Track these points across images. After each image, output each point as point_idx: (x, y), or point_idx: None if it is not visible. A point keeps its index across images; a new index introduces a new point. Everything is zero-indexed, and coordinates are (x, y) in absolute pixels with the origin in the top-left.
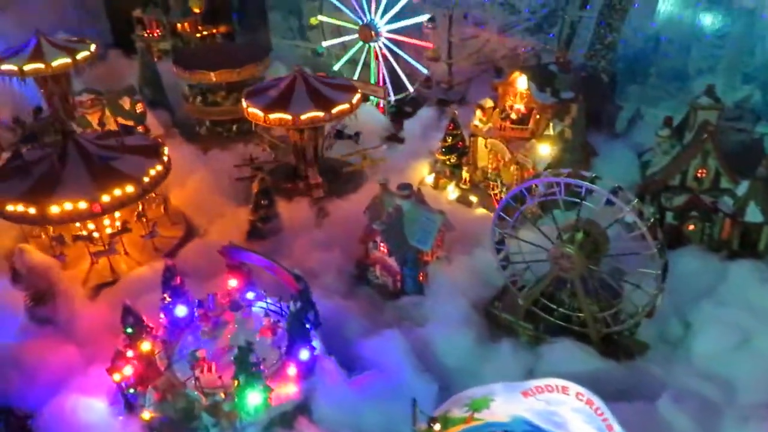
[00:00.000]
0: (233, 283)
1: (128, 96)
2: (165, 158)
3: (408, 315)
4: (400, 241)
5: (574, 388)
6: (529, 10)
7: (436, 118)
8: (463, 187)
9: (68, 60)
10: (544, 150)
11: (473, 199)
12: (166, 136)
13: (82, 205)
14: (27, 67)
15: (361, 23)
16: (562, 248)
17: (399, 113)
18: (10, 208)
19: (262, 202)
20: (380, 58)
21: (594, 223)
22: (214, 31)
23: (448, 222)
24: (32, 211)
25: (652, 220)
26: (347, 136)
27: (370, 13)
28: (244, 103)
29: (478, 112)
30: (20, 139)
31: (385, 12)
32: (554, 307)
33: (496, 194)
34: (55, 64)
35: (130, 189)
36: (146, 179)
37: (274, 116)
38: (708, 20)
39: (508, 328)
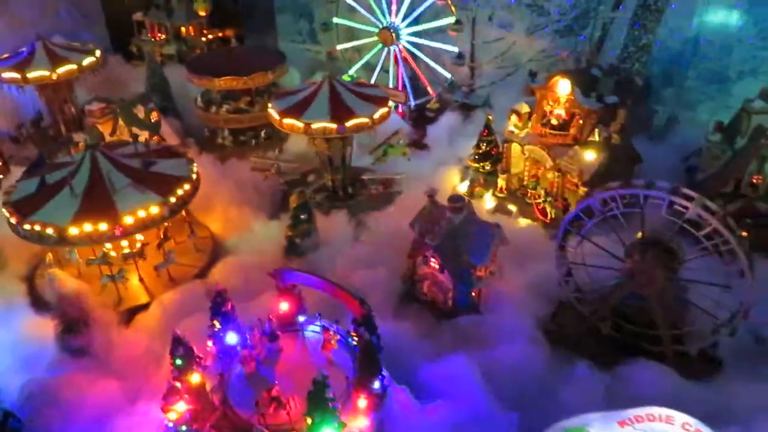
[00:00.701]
0: (285, 306)
1: (142, 104)
2: (191, 158)
3: (469, 336)
4: (454, 257)
5: (680, 417)
6: (558, 11)
7: (460, 122)
8: (500, 195)
9: (93, 59)
10: (590, 156)
11: (512, 208)
12: (181, 146)
13: (154, 209)
14: (60, 70)
15: (380, 26)
16: (637, 264)
17: (422, 118)
18: (73, 231)
19: (302, 216)
20: (400, 62)
21: (661, 231)
22: (220, 34)
23: (504, 235)
24: (104, 227)
25: (722, 212)
26: None
27: (389, 15)
28: (297, 122)
29: (513, 118)
30: (33, 165)
31: (405, 14)
32: (630, 325)
33: (538, 203)
34: (85, 63)
35: (187, 187)
36: (194, 176)
37: (351, 123)
38: (751, 20)
39: (570, 346)
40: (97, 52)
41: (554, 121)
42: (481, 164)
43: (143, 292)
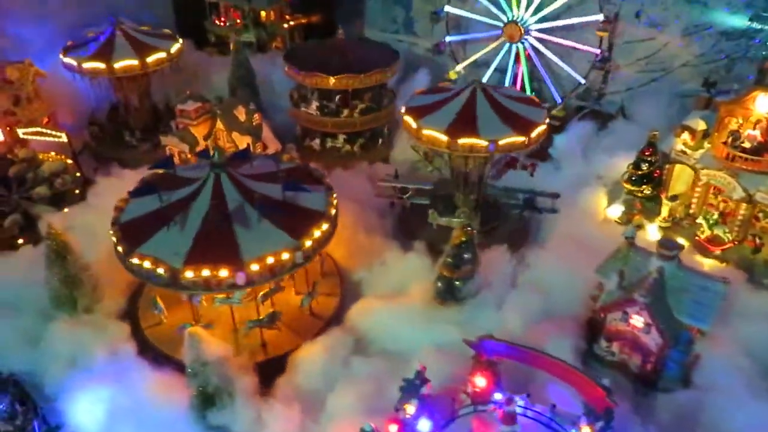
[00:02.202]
0: (481, 382)
1: (242, 105)
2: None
3: (694, 420)
4: (668, 316)
5: None
6: (728, 9)
7: (593, 133)
8: (664, 225)
9: (178, 45)
10: None
11: (683, 242)
12: (282, 152)
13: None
14: (150, 59)
15: (506, 20)
16: None
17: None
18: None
19: (465, 256)
20: (522, 61)
21: None
22: (304, 21)
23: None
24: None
25: None
26: None
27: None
28: (439, 134)
29: (685, 135)
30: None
31: (529, 6)
32: None
33: (704, 237)
34: (172, 51)
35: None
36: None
37: (505, 141)
38: None
39: None
40: (177, 45)
41: (747, 144)
42: (640, 187)
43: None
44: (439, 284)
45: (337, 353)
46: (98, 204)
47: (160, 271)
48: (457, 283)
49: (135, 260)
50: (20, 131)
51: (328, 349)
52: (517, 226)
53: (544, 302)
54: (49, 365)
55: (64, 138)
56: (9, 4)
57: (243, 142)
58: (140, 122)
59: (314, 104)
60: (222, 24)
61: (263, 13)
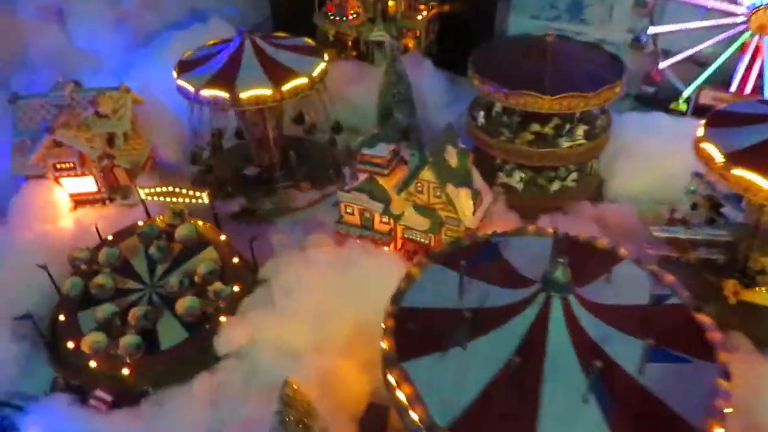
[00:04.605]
0: None
1: (452, 144)
2: None
3: None
4: None
5: None
6: None
7: None
8: None
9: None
10: None
11: None
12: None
13: None
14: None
15: (748, 8)
16: None
17: None
18: None
19: None
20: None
21: None
22: (443, 10)
23: None
24: None
25: None
26: None
27: None
28: None
29: None
30: None
31: None
32: None
33: None
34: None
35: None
36: None
37: None
38: None
39: None
40: (325, 56)
41: None
42: None
43: None
44: None
45: None
46: (285, 306)
47: (413, 416)
48: None
49: None
50: (142, 192)
51: None
52: None
53: None
54: None
55: (205, 199)
56: (76, 6)
57: (459, 197)
58: (270, 160)
59: (581, 130)
60: (340, 19)
61: (391, 3)
